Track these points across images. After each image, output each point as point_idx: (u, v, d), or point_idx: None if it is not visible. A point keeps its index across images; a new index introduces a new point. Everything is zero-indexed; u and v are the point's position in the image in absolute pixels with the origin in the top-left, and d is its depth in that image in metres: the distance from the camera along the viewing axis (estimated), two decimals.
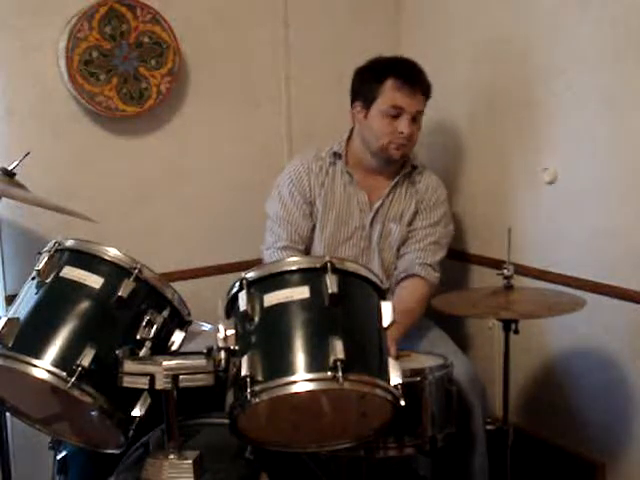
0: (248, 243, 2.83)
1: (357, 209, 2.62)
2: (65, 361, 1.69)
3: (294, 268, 1.77)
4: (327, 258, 1.74)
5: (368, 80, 2.54)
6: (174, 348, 1.84)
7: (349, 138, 2.66)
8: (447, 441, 2.19)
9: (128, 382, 1.73)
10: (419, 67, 2.55)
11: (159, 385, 1.73)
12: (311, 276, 1.75)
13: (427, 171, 2.70)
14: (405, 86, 2.49)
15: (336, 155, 2.63)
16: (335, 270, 1.73)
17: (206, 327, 2.28)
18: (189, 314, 1.92)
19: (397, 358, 1.98)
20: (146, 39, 2.65)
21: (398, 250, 2.63)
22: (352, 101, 2.60)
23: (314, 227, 2.62)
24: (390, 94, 2.49)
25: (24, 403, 1.89)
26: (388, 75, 2.50)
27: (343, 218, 2.62)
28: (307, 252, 2.63)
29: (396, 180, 2.63)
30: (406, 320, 2.39)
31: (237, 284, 1.78)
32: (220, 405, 1.75)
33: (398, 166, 2.64)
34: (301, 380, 1.63)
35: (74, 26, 2.55)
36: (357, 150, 2.63)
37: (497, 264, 2.34)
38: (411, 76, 2.52)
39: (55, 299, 1.80)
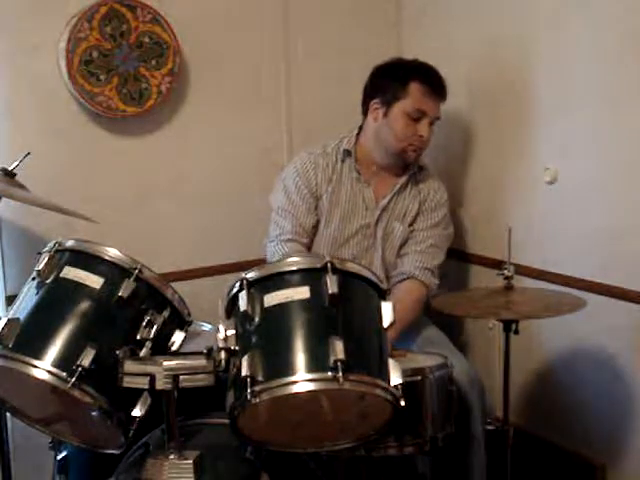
0: (248, 243, 2.84)
1: (363, 206, 2.62)
2: (65, 361, 1.70)
3: (294, 268, 1.77)
4: (327, 258, 1.75)
5: (391, 79, 2.54)
6: (174, 348, 1.85)
7: (358, 134, 2.65)
8: (447, 441, 2.19)
9: (128, 382, 1.73)
10: (440, 74, 2.57)
11: (159, 385, 1.73)
12: (311, 276, 1.75)
13: (430, 172, 2.70)
14: (431, 91, 2.52)
15: (346, 152, 2.62)
16: (335, 270, 1.73)
17: (206, 327, 2.29)
18: (189, 314, 1.92)
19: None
20: (146, 39, 2.65)
21: (399, 249, 2.63)
22: (369, 97, 2.59)
23: (318, 221, 2.61)
24: (416, 97, 2.50)
25: (24, 403, 1.89)
26: (414, 77, 2.51)
27: (348, 215, 2.61)
28: (311, 244, 2.61)
29: (404, 179, 2.64)
30: (401, 322, 2.38)
31: (237, 284, 1.78)
32: (220, 405, 1.76)
33: (405, 165, 2.64)
34: (301, 380, 1.63)
35: (74, 26, 2.55)
36: (367, 147, 2.62)
37: (497, 264, 2.34)
38: (437, 82, 2.55)
39: (55, 299, 1.80)
